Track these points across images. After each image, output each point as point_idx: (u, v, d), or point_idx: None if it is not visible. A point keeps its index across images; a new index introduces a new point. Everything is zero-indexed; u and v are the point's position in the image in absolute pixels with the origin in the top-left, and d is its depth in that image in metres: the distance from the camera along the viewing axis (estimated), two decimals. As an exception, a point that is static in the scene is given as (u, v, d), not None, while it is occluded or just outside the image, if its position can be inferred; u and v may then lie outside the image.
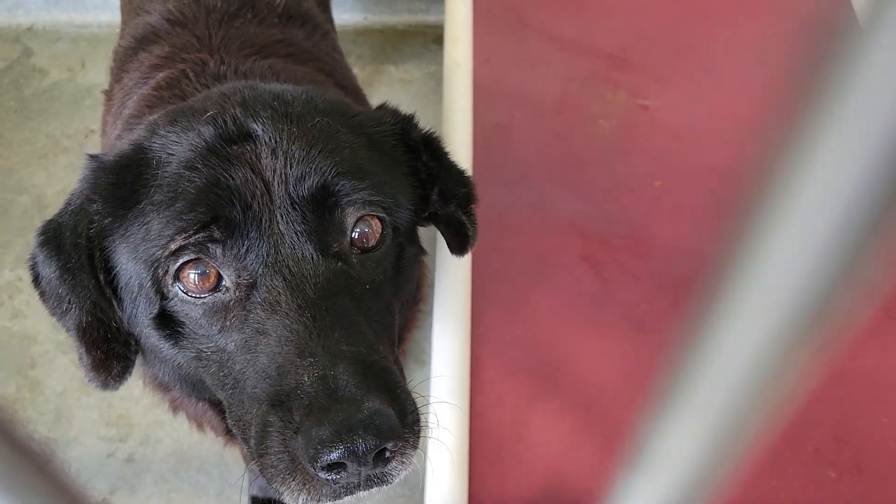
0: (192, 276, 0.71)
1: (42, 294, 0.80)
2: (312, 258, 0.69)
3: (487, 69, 2.01)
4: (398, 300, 0.80)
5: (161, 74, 1.03)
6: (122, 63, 1.16)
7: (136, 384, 1.73)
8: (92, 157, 0.79)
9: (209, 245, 0.69)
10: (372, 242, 0.74)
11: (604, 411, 1.48)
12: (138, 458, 1.62)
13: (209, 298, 0.71)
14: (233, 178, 0.69)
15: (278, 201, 0.69)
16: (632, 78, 1.99)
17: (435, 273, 1.47)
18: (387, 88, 2.30)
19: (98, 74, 2.29)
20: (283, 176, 0.70)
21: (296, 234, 0.69)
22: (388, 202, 0.75)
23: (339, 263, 0.71)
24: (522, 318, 1.59)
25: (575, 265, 1.66)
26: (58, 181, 2.09)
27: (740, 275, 0.26)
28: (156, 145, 0.74)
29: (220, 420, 0.92)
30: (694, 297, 0.30)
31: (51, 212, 2.01)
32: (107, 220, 0.75)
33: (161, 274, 0.71)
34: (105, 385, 0.80)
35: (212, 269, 0.71)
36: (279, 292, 0.68)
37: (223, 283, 0.71)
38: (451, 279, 1.52)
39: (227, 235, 0.69)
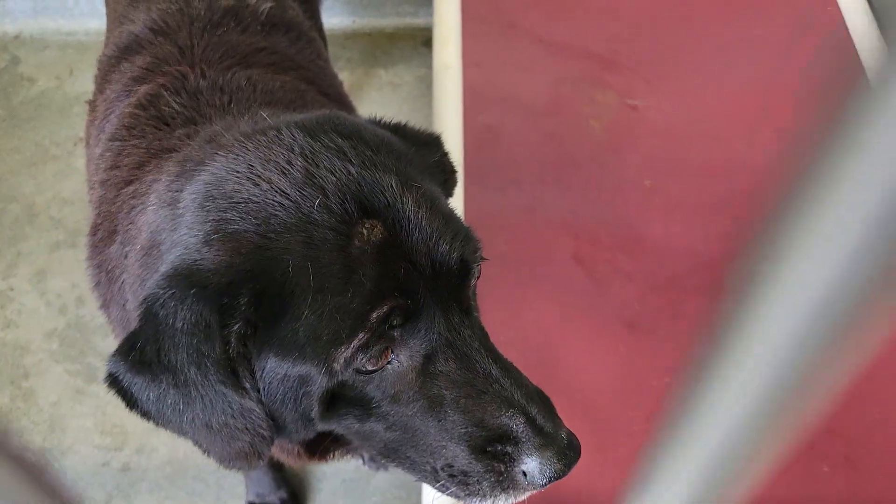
0: (367, 359, 0.73)
1: (146, 414, 0.76)
2: (460, 320, 0.78)
3: (477, 72, 2.02)
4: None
5: (142, 89, 1.02)
6: (106, 73, 1.16)
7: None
8: (185, 282, 0.70)
9: (389, 334, 0.73)
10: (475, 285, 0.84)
11: (599, 411, 1.48)
12: (133, 467, 1.62)
13: (383, 372, 0.75)
14: (393, 270, 0.72)
15: (426, 278, 0.74)
16: (621, 79, 1.99)
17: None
18: (377, 92, 2.30)
19: (86, 82, 2.29)
20: (423, 253, 0.74)
21: (444, 301, 0.76)
22: (480, 249, 0.84)
23: (473, 315, 0.82)
24: (516, 319, 1.59)
25: (567, 266, 1.67)
26: (47, 189, 2.08)
27: (767, 281, 0.26)
28: (276, 251, 0.70)
29: (304, 450, 0.93)
30: (717, 303, 0.30)
31: (41, 220, 2.01)
32: (249, 337, 0.72)
33: (341, 369, 0.72)
34: (251, 468, 0.83)
35: (387, 351, 0.75)
36: (451, 359, 0.77)
37: (396, 356, 0.75)
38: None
39: (403, 322, 0.73)
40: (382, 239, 0.71)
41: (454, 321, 0.77)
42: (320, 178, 0.71)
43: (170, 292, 0.70)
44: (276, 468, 1.53)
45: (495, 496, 0.78)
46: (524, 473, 0.76)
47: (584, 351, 1.55)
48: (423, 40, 2.38)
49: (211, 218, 0.72)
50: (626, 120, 1.91)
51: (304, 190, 0.71)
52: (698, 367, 0.31)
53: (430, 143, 0.89)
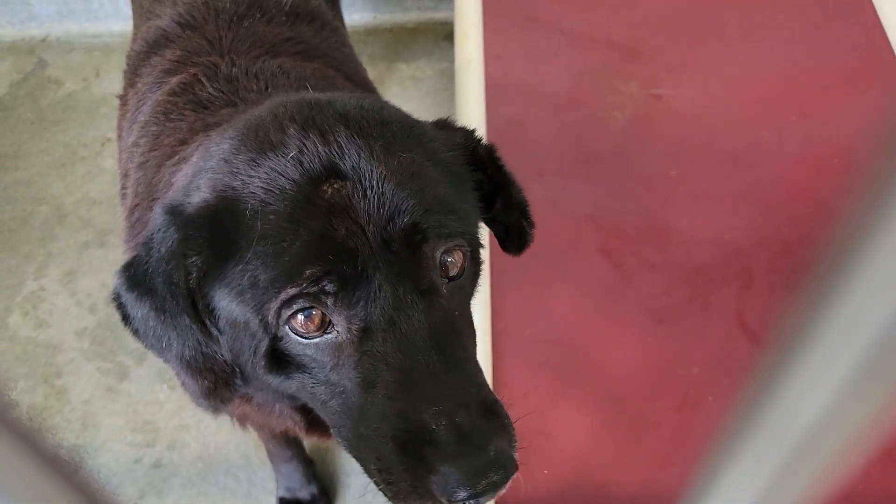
0: (300, 318, 0.72)
1: (136, 332, 0.80)
2: (412, 300, 0.72)
3: (499, 65, 2.01)
4: (470, 313, 0.83)
5: (174, 79, 1.04)
6: (135, 68, 1.17)
7: (159, 389, 1.75)
8: (172, 212, 0.76)
9: (321, 296, 0.71)
10: (456, 271, 0.77)
11: (627, 403, 1.47)
12: (165, 463, 1.64)
13: (320, 340, 0.73)
14: (336, 230, 0.70)
15: (374, 246, 0.71)
16: (644, 68, 1.97)
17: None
18: (398, 87, 2.30)
19: (112, 83, 2.31)
20: (376, 218, 0.71)
21: (395, 275, 0.71)
22: (468, 231, 0.78)
23: (434, 299, 0.74)
24: (542, 312, 1.59)
25: (593, 258, 1.66)
26: (76, 190, 2.11)
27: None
28: (243, 193, 0.73)
29: (302, 419, 0.94)
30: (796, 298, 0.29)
31: (70, 221, 2.04)
32: (205, 270, 0.75)
33: (271, 319, 0.72)
34: (215, 410, 0.84)
35: (319, 312, 0.72)
36: (390, 340, 0.71)
37: (334, 326, 0.73)
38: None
39: (339, 288, 0.70)
40: (341, 200, 0.71)
41: (404, 299, 0.71)
42: (304, 138, 0.74)
43: (161, 220, 0.75)
44: (307, 463, 1.54)
45: (409, 501, 0.71)
46: (437, 483, 0.68)
47: (611, 343, 1.54)
48: (444, 34, 2.38)
49: (210, 166, 0.77)
50: (649, 110, 1.90)
51: (286, 147, 0.73)
52: (780, 354, 0.31)
53: (457, 130, 0.87)
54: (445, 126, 0.86)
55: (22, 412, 0.30)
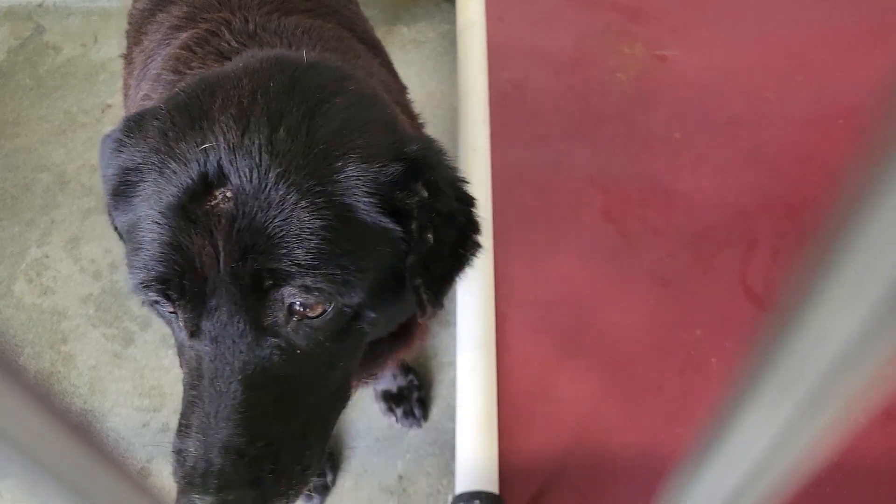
0: (159, 300, 0.75)
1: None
2: (241, 332, 0.72)
3: (501, 27, 1.99)
4: (340, 363, 0.80)
5: (184, 34, 1.03)
6: (139, 25, 1.17)
7: (165, 354, 1.76)
8: (122, 136, 0.78)
9: (166, 294, 0.73)
10: (312, 314, 0.74)
11: (629, 366, 1.48)
12: (172, 427, 1.65)
13: (172, 317, 0.77)
14: (192, 243, 0.71)
15: (223, 273, 0.70)
16: (648, 29, 1.95)
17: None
18: (400, 50, 2.28)
19: (111, 49, 2.29)
20: (236, 248, 0.70)
21: (234, 304, 0.71)
22: (332, 290, 0.72)
23: (269, 338, 0.73)
24: (545, 276, 1.59)
25: (596, 221, 1.65)
26: (77, 157, 2.10)
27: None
28: (156, 165, 0.74)
29: None
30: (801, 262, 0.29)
31: (72, 188, 2.04)
32: (113, 202, 0.79)
33: (142, 288, 0.76)
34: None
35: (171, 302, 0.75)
36: (205, 357, 0.73)
37: (178, 317, 0.76)
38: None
39: (179, 297, 0.73)
40: (214, 219, 0.70)
41: (235, 325, 0.72)
42: (226, 131, 0.72)
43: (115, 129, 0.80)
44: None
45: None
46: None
47: (614, 306, 1.55)
48: (445, -4, 2.35)
49: (170, 100, 0.78)
50: (653, 71, 1.88)
51: (205, 135, 0.73)
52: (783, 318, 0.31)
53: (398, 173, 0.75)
54: (397, 156, 0.75)
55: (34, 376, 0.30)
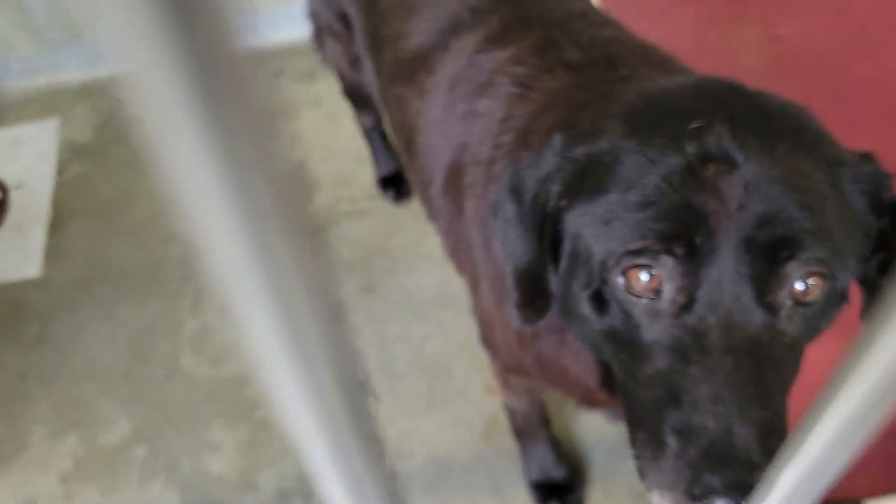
0: (641, 276, 0.73)
1: (496, 225, 0.87)
2: (747, 305, 0.71)
3: (616, 18, 2.01)
4: (806, 345, 0.80)
5: (511, 47, 1.05)
6: (425, 58, 1.17)
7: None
8: (566, 143, 0.79)
9: (664, 257, 0.72)
10: (807, 299, 0.74)
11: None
12: (400, 473, 1.61)
13: (645, 302, 0.74)
14: (705, 205, 0.70)
15: (735, 238, 0.70)
16: (760, 11, 2.00)
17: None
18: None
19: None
20: (750, 215, 0.70)
21: (740, 275, 0.71)
22: (838, 266, 0.74)
23: (770, 315, 0.73)
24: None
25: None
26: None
27: None
28: (633, 147, 0.75)
29: (598, 371, 0.94)
30: None
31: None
32: (564, 203, 0.79)
33: (611, 264, 0.74)
34: (525, 320, 0.87)
35: (657, 277, 0.73)
36: (709, 328, 0.71)
37: (662, 294, 0.73)
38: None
39: (685, 255, 0.71)
40: (721, 184, 0.71)
41: (741, 298, 0.71)
42: (712, 116, 0.75)
43: (555, 146, 0.81)
44: (556, 443, 1.54)
45: (656, 484, 0.73)
46: (690, 480, 0.69)
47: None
48: None
49: (611, 119, 0.81)
50: (773, 51, 1.93)
51: (691, 117, 0.75)
52: None
53: (869, 166, 0.80)
54: (863, 158, 0.80)
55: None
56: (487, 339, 1.20)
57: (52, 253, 2.06)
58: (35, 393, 1.83)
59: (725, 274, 0.71)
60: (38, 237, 2.09)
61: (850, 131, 1.74)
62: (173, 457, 1.70)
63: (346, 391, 0.28)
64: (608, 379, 0.91)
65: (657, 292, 0.73)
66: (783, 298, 0.73)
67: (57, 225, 2.12)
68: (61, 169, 2.23)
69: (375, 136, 2.00)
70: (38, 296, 1.98)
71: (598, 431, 1.63)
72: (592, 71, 1.00)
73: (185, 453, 1.70)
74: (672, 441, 0.71)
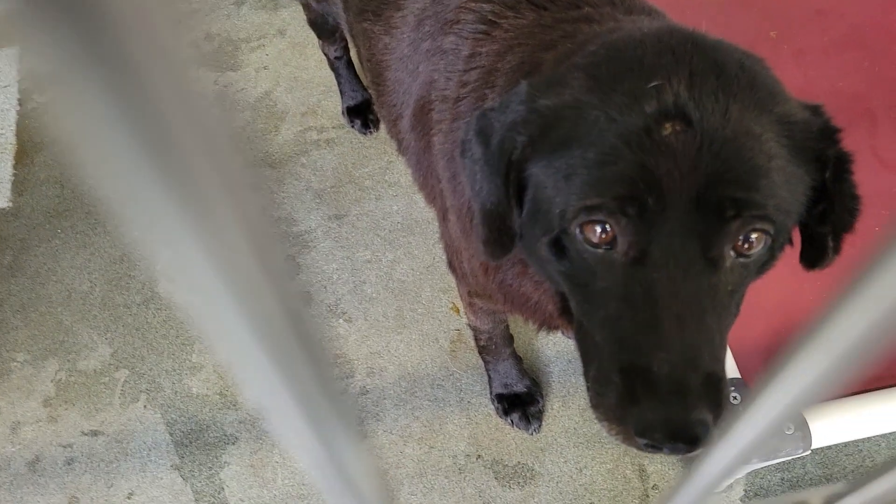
0: (597, 229, 0.78)
1: (463, 164, 0.89)
2: (693, 259, 0.76)
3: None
4: (744, 292, 0.85)
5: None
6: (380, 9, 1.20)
7: (337, 323, 1.79)
8: (532, 93, 0.81)
9: (617, 214, 0.76)
10: (750, 252, 0.78)
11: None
12: (371, 389, 1.71)
13: (601, 252, 0.79)
14: (659, 167, 0.74)
15: (685, 197, 0.74)
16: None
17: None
18: None
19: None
20: (700, 175, 0.74)
21: (688, 231, 0.75)
22: (781, 222, 0.78)
23: (714, 267, 0.77)
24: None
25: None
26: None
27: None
28: (595, 104, 0.77)
29: (559, 303, 0.98)
30: None
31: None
32: (528, 152, 0.82)
33: (569, 217, 0.78)
34: (492, 257, 0.91)
35: (612, 231, 0.78)
36: (657, 279, 0.76)
37: (617, 245, 0.78)
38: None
39: (636, 214, 0.75)
40: (676, 144, 0.74)
41: (687, 251, 0.75)
42: (672, 73, 0.77)
43: (521, 93, 0.83)
44: (519, 359, 1.63)
45: (604, 415, 0.78)
46: (634, 415, 0.75)
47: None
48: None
49: (576, 71, 0.83)
50: (729, -21, 1.98)
51: (652, 74, 0.77)
52: None
53: (819, 122, 0.82)
54: (813, 112, 0.82)
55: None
56: (454, 266, 1.26)
57: (20, 184, 2.07)
58: (13, 322, 1.87)
59: (675, 230, 0.75)
60: (4, 168, 2.10)
61: (804, 54, 1.82)
62: (154, 379, 1.77)
63: (285, 304, 0.25)
64: (566, 308, 0.95)
65: (611, 243, 0.78)
66: (727, 252, 0.78)
67: (22, 156, 2.12)
68: (23, 99, 2.22)
69: (342, 66, 2.00)
70: (9, 227, 2.00)
71: (557, 347, 1.73)
72: (556, 8, 1.02)
73: (165, 375, 1.78)
74: (619, 380, 0.76)
